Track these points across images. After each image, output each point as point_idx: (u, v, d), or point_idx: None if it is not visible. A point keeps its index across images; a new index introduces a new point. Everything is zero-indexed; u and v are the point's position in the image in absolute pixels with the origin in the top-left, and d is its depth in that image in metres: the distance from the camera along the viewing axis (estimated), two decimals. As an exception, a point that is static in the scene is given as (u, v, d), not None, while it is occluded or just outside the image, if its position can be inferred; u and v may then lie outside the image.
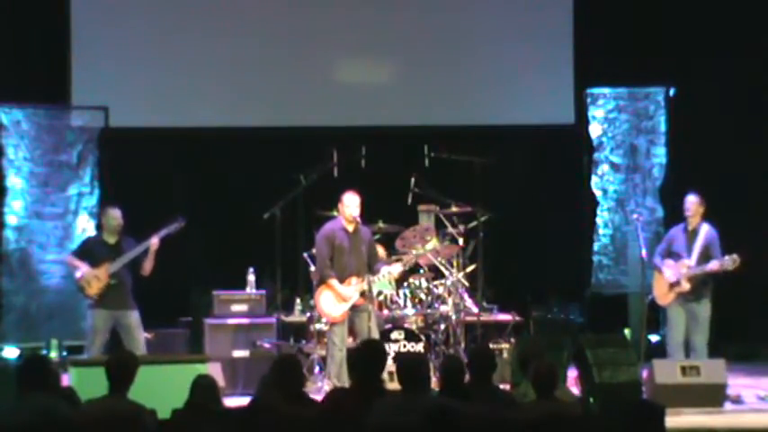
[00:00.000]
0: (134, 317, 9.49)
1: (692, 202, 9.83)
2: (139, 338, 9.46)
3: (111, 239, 9.56)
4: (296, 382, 6.12)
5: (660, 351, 10.22)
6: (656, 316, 10.81)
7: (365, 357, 6.16)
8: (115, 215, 9.57)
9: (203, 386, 5.99)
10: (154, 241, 9.47)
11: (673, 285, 9.65)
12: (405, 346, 9.89)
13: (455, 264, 10.72)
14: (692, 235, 9.71)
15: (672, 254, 9.76)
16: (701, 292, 9.69)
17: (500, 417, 5.83)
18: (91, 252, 9.56)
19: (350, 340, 9.66)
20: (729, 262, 9.50)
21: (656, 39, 12.16)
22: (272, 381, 6.13)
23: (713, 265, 9.55)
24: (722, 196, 11.91)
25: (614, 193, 12.05)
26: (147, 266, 9.54)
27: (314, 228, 10.08)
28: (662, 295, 9.78)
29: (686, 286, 9.61)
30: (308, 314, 10.35)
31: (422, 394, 5.92)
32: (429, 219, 11.11)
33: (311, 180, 10.48)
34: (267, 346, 10.02)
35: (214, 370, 8.76)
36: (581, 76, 12.30)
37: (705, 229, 9.73)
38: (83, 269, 9.43)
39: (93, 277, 9.40)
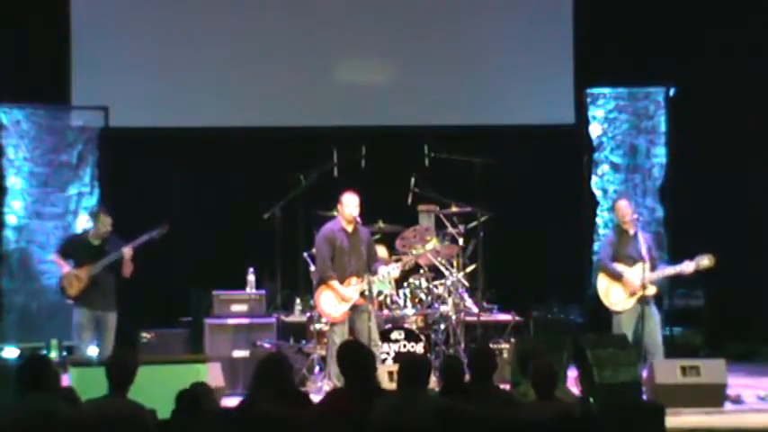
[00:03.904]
0: (113, 319, 9.66)
1: (628, 207, 9.82)
2: (111, 341, 9.59)
3: (96, 241, 9.67)
4: (285, 382, 6.11)
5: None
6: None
7: (350, 359, 6.15)
8: (107, 222, 9.67)
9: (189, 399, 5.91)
10: (126, 251, 9.56)
11: (635, 290, 9.61)
12: (405, 346, 9.89)
13: (455, 264, 10.72)
14: (633, 239, 9.69)
15: (622, 258, 9.73)
16: (657, 294, 9.78)
17: (500, 417, 5.83)
18: (74, 251, 9.72)
19: (350, 340, 9.66)
20: (706, 262, 9.50)
21: (656, 39, 12.16)
22: (258, 382, 6.12)
23: (688, 267, 9.57)
24: (722, 196, 11.96)
25: (614, 193, 12.05)
26: (126, 271, 9.65)
27: (314, 228, 10.08)
28: (621, 301, 9.67)
29: (653, 290, 9.62)
30: (308, 314, 10.35)
31: (422, 394, 5.92)
32: (429, 219, 11.10)
33: (311, 180, 10.48)
34: (267, 346, 10.02)
35: (214, 370, 8.77)
36: (581, 76, 12.29)
37: (642, 233, 9.76)
38: (65, 269, 9.59)
39: (74, 277, 9.54)
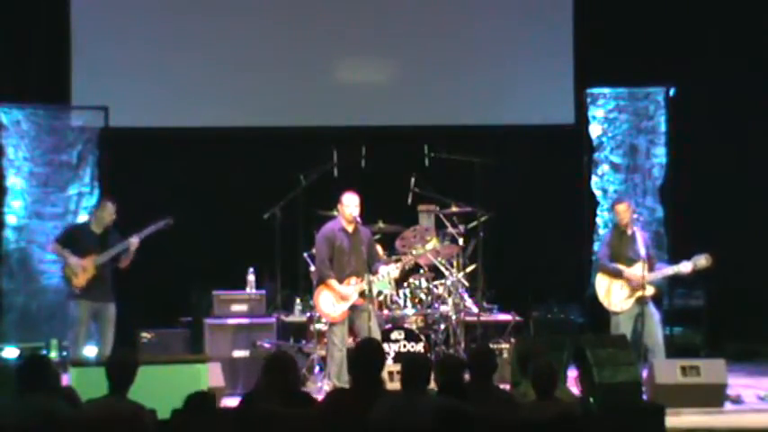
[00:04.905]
0: (112, 310, 9.66)
1: (626, 209, 9.86)
2: (112, 332, 9.61)
3: (98, 230, 9.65)
4: (289, 381, 6.10)
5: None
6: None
7: (365, 356, 6.15)
8: (112, 210, 9.70)
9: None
10: (133, 241, 9.59)
11: (634, 290, 9.63)
12: (405, 346, 9.89)
13: (455, 264, 10.72)
14: (631, 239, 9.72)
15: (620, 259, 9.76)
16: (656, 295, 9.83)
17: (500, 417, 5.83)
18: (77, 241, 9.67)
19: (350, 340, 9.66)
20: (703, 261, 9.54)
21: (656, 39, 12.16)
22: (264, 381, 6.11)
23: (686, 267, 9.61)
24: (722, 196, 11.96)
25: (614, 193, 12.04)
26: (125, 262, 9.68)
27: (314, 228, 10.08)
28: (620, 301, 9.72)
29: (652, 290, 9.64)
30: (308, 314, 10.35)
31: (423, 393, 5.92)
32: (429, 219, 11.11)
33: (311, 180, 10.48)
34: (267, 346, 10.02)
35: (214, 370, 8.77)
36: (581, 76, 12.29)
37: (639, 233, 9.78)
38: (70, 259, 9.51)
39: (80, 267, 9.49)
